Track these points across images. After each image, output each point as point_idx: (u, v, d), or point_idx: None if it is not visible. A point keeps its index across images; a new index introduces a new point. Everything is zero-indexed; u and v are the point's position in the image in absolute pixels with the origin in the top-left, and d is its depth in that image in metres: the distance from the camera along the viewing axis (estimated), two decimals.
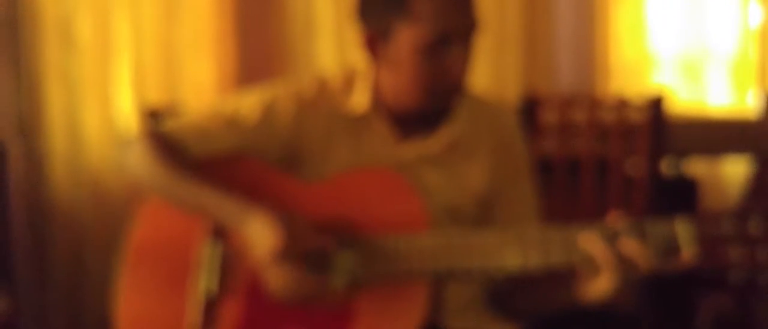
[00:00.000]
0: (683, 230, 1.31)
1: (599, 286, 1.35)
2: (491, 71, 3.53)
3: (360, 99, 1.52)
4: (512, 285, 1.53)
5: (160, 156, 1.47)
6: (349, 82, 1.54)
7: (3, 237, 2.94)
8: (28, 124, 3.05)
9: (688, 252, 1.30)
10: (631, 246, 1.31)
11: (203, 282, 1.46)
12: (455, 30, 1.42)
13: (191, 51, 3.23)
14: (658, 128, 2.46)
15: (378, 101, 1.51)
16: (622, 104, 2.51)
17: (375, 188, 1.44)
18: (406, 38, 1.41)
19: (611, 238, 1.32)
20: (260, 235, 1.38)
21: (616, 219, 1.35)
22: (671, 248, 1.31)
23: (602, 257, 1.32)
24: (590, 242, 1.33)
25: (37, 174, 3.05)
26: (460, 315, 1.53)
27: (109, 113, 3.12)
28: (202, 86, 3.25)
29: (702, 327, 2.84)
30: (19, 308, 2.97)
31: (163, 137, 1.50)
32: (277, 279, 1.40)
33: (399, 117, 1.51)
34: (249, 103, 1.53)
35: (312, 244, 1.39)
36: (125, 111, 3.13)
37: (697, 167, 3.39)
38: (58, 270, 3.08)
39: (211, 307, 1.45)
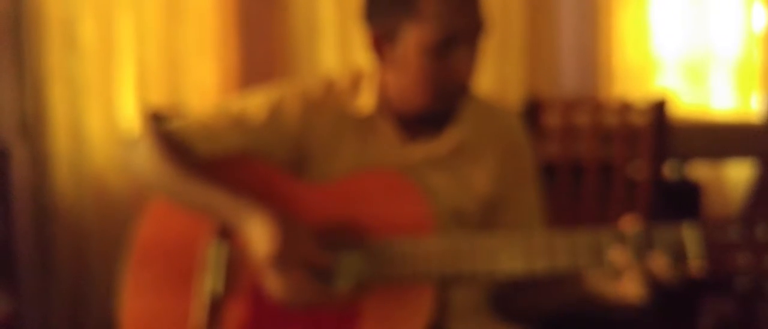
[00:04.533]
0: (691, 237, 1.31)
1: (629, 291, 1.34)
2: (494, 74, 3.54)
3: (366, 100, 1.52)
4: (517, 287, 1.53)
5: (166, 155, 1.46)
6: (355, 83, 1.54)
7: (6, 239, 2.94)
8: (32, 126, 3.06)
9: (696, 258, 1.30)
10: (660, 263, 1.30)
11: (209, 282, 1.45)
12: (462, 31, 1.42)
13: (194, 53, 3.23)
14: (661, 131, 2.45)
15: (384, 103, 1.51)
16: (626, 108, 2.51)
17: (381, 190, 1.44)
18: (413, 39, 1.41)
19: (641, 251, 1.31)
20: (258, 237, 1.37)
21: (628, 224, 1.35)
22: (678, 254, 1.31)
23: (629, 270, 1.31)
24: (619, 255, 1.32)
25: (41, 176, 3.06)
26: (465, 318, 1.53)
27: (113, 114, 3.12)
28: (205, 88, 3.25)
29: None
30: (22, 309, 2.98)
31: (169, 136, 1.50)
32: (274, 283, 1.39)
33: (405, 119, 1.51)
34: (256, 102, 1.53)
35: (308, 258, 1.38)
36: (128, 113, 3.13)
37: (700, 171, 3.39)
38: (61, 272, 3.08)
39: (216, 308, 1.44)
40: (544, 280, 1.41)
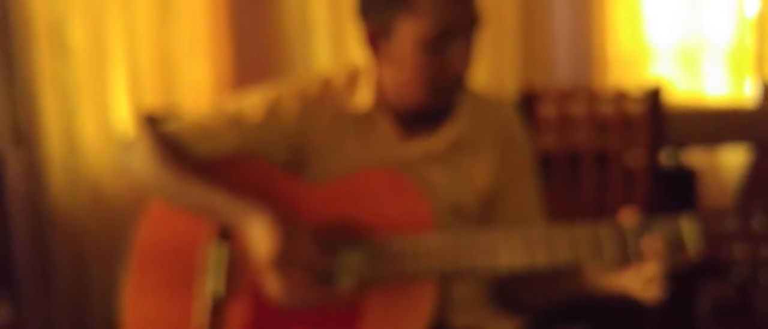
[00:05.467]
0: (689, 228, 1.32)
1: (650, 285, 1.34)
2: (489, 66, 3.53)
3: (363, 97, 1.51)
4: (518, 280, 1.53)
5: (163, 157, 1.46)
6: (352, 80, 1.54)
7: (4, 246, 2.93)
8: (25, 132, 3.04)
9: (694, 249, 1.31)
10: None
11: (210, 283, 1.45)
12: (457, 24, 1.41)
13: (186, 53, 3.22)
14: (656, 119, 2.46)
15: (381, 99, 1.51)
16: (620, 96, 2.52)
17: (381, 189, 1.44)
18: (408, 33, 1.41)
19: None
20: (259, 238, 1.37)
21: (628, 216, 1.35)
22: (677, 245, 1.32)
23: (657, 262, 1.31)
24: (654, 243, 1.32)
25: (36, 182, 3.04)
26: (466, 312, 1.53)
27: (106, 117, 3.10)
28: (199, 88, 3.24)
29: (702, 314, 2.85)
30: (23, 316, 2.97)
31: (166, 137, 1.49)
32: (274, 285, 1.39)
33: (402, 115, 1.51)
34: (253, 102, 1.52)
35: (309, 260, 1.38)
36: (122, 115, 3.12)
37: (695, 157, 3.39)
38: (60, 277, 3.07)
39: (218, 309, 1.44)
40: (545, 273, 1.41)
